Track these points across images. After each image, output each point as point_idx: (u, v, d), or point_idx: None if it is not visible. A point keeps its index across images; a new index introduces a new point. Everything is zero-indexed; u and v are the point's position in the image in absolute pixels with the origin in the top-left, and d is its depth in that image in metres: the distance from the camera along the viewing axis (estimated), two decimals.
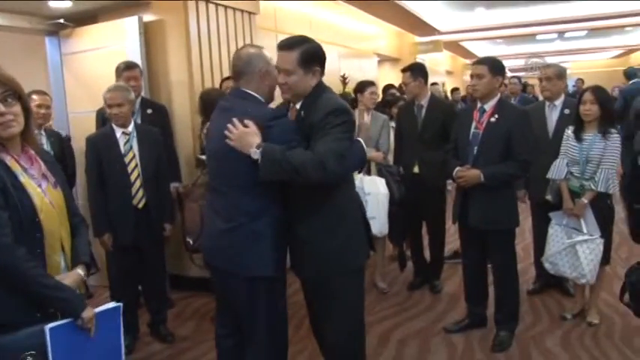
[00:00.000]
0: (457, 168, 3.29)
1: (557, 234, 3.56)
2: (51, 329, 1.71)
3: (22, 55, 5.03)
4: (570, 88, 10.68)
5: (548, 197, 3.69)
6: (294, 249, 2.38)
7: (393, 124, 4.72)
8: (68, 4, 4.35)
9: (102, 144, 3.49)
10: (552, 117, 3.92)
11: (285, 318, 2.43)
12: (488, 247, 3.39)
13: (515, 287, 3.48)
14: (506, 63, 20.39)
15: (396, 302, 4.27)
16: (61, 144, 4.19)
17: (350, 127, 2.23)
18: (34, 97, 3.94)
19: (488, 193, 3.21)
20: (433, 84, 11.34)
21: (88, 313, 1.81)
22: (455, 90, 11.76)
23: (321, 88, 2.27)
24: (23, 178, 1.78)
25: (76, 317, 1.79)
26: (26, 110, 1.81)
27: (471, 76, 3.36)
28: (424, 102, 4.23)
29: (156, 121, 4.02)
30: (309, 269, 2.35)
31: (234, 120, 2.15)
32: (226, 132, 2.15)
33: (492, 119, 3.23)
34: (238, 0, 5.00)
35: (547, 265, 3.64)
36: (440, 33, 12.43)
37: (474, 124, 3.31)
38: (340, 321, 2.34)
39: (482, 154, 3.24)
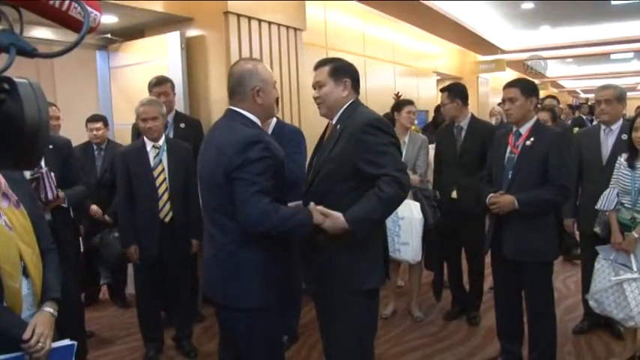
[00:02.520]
0: (490, 194, 3.12)
1: (603, 269, 3.26)
2: None
3: (75, 68, 5.22)
4: None
5: (597, 229, 3.40)
6: (309, 261, 2.40)
7: None
8: (114, 20, 4.47)
9: (132, 157, 3.52)
10: (608, 142, 3.64)
11: (281, 346, 2.36)
12: (522, 279, 3.16)
13: (552, 326, 3.20)
14: (578, 83, 19.68)
15: (430, 332, 4.06)
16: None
17: (390, 135, 2.26)
18: None
19: (523, 220, 3.01)
20: (499, 104, 11.01)
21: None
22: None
23: (356, 104, 2.36)
24: None
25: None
26: None
27: (503, 100, 3.21)
28: (464, 124, 4.04)
29: (189, 135, 4.03)
30: (315, 283, 2.41)
31: (316, 214, 2.17)
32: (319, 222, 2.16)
33: (528, 142, 3.07)
34: (284, 15, 4.99)
35: (592, 303, 3.33)
36: (503, 52, 12.05)
37: (509, 149, 3.15)
38: (338, 341, 2.32)
39: (518, 179, 3.07)
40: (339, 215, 2.13)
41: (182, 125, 4.13)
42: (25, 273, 1.79)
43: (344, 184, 2.24)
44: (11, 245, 1.73)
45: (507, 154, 3.15)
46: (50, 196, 3.07)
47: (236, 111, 2.23)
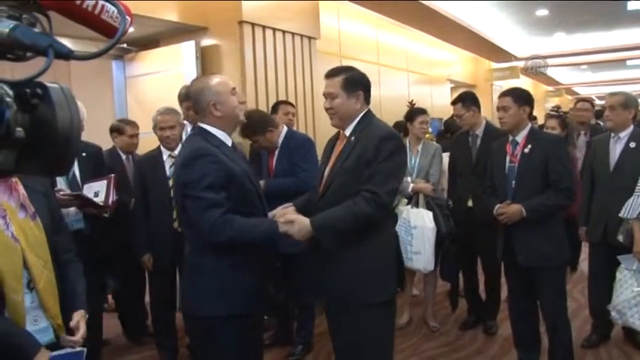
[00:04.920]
0: (497, 205, 3.14)
1: (626, 280, 3.20)
2: None
3: (91, 77, 5.27)
4: None
5: (620, 237, 3.35)
6: (319, 268, 2.38)
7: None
8: (130, 30, 4.50)
9: (147, 165, 3.54)
10: (616, 150, 3.59)
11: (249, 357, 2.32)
12: (536, 286, 3.13)
13: (568, 330, 3.18)
14: (593, 90, 19.52)
15: (446, 342, 4.01)
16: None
17: (401, 153, 2.32)
18: None
19: (532, 227, 3.02)
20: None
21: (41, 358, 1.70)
22: (533, 119, 11.17)
23: (370, 115, 2.36)
24: None
25: None
26: None
27: (498, 108, 3.24)
28: (479, 132, 4.00)
29: None
30: (326, 296, 2.40)
31: (278, 216, 2.23)
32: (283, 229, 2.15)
33: (526, 150, 3.10)
34: (298, 24, 5.00)
35: (614, 315, 3.27)
36: (517, 59, 12.00)
37: (508, 158, 3.18)
38: (345, 352, 2.33)
39: (521, 187, 3.09)
40: (304, 221, 2.13)
41: None
42: (30, 286, 1.77)
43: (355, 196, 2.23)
44: (15, 258, 1.72)
45: (507, 164, 3.18)
46: (115, 198, 3.19)
47: (200, 127, 2.30)
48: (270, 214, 2.34)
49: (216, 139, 2.25)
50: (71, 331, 1.84)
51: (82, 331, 1.83)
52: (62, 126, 0.73)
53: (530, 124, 3.21)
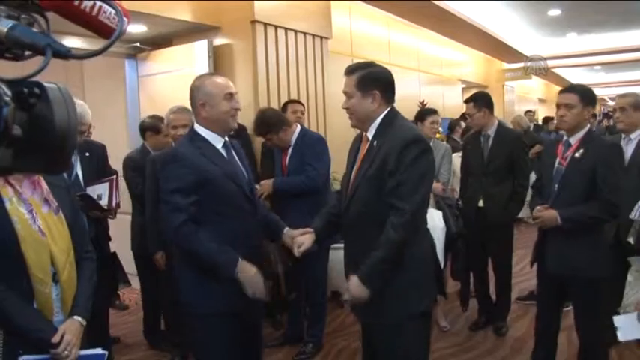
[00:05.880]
0: (536, 207, 2.98)
1: (637, 282, 3.18)
2: None
3: (104, 76, 5.30)
4: None
5: (630, 239, 3.32)
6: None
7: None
8: (143, 29, 4.54)
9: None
10: (627, 151, 3.55)
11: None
12: (570, 296, 3.01)
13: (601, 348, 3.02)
14: (606, 91, 19.32)
15: (456, 342, 4.00)
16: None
17: (427, 156, 2.17)
18: None
19: (566, 235, 2.84)
20: (527, 112, 10.90)
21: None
22: (549, 120, 10.82)
23: (392, 116, 2.22)
24: (10, 205, 1.74)
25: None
26: None
27: (557, 105, 2.96)
28: (491, 132, 4.00)
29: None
30: (366, 313, 2.27)
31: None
32: None
33: (577, 154, 2.87)
34: (310, 24, 5.01)
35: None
36: (529, 59, 11.91)
37: (557, 160, 2.97)
38: None
39: (563, 193, 2.89)
40: (355, 281, 2.09)
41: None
42: (55, 279, 1.82)
43: (383, 206, 2.12)
44: (43, 251, 1.76)
45: (556, 166, 2.97)
46: (118, 200, 3.16)
47: (192, 127, 2.39)
48: (288, 234, 2.41)
49: (202, 141, 2.31)
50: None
51: (65, 341, 1.79)
52: (60, 125, 0.75)
53: (588, 126, 2.93)
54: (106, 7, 0.84)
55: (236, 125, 2.42)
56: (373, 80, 2.20)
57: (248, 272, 2.19)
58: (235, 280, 2.17)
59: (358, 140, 2.38)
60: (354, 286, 2.09)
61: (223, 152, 2.36)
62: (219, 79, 2.36)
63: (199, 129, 2.33)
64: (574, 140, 2.92)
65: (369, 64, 2.28)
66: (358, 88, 2.18)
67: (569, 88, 3.00)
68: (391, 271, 2.10)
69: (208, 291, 2.25)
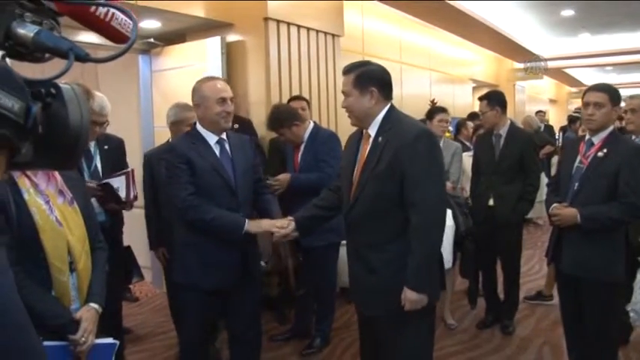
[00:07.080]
0: (554, 205, 2.94)
1: None
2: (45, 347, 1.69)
3: (118, 71, 5.34)
4: None
5: None
6: (358, 281, 2.34)
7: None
8: (157, 25, 4.58)
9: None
10: None
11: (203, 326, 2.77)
12: (582, 298, 2.91)
13: (611, 352, 2.96)
14: None
15: (462, 340, 4.03)
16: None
17: (438, 148, 2.25)
18: None
19: (583, 235, 2.79)
20: (538, 112, 10.86)
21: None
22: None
23: (394, 112, 2.26)
24: (28, 196, 1.79)
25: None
26: None
27: (585, 104, 2.88)
28: (502, 131, 4.01)
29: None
30: (375, 306, 2.30)
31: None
32: None
33: (600, 154, 2.80)
34: (322, 22, 5.04)
35: (632, 315, 3.25)
36: (541, 59, 11.85)
37: (579, 158, 2.91)
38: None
39: (582, 192, 2.83)
40: (409, 295, 2.13)
41: (236, 126, 4.15)
42: (72, 268, 1.87)
43: (392, 202, 2.17)
44: (60, 240, 1.82)
45: (576, 164, 2.91)
46: (135, 193, 3.22)
47: (194, 125, 2.72)
48: (277, 222, 2.60)
49: (197, 136, 2.62)
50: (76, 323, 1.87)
51: (82, 328, 1.85)
52: (73, 123, 0.78)
53: (613, 126, 2.88)
54: (118, 13, 0.89)
55: (229, 126, 2.65)
56: (370, 78, 2.24)
57: (257, 226, 2.55)
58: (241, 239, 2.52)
59: (356, 138, 2.39)
60: (411, 300, 2.14)
61: (216, 148, 2.63)
62: (217, 84, 2.60)
63: (198, 126, 2.66)
64: (597, 139, 2.86)
65: (365, 63, 2.33)
66: (355, 86, 2.23)
67: (599, 87, 2.91)
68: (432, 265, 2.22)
69: (196, 272, 2.61)
